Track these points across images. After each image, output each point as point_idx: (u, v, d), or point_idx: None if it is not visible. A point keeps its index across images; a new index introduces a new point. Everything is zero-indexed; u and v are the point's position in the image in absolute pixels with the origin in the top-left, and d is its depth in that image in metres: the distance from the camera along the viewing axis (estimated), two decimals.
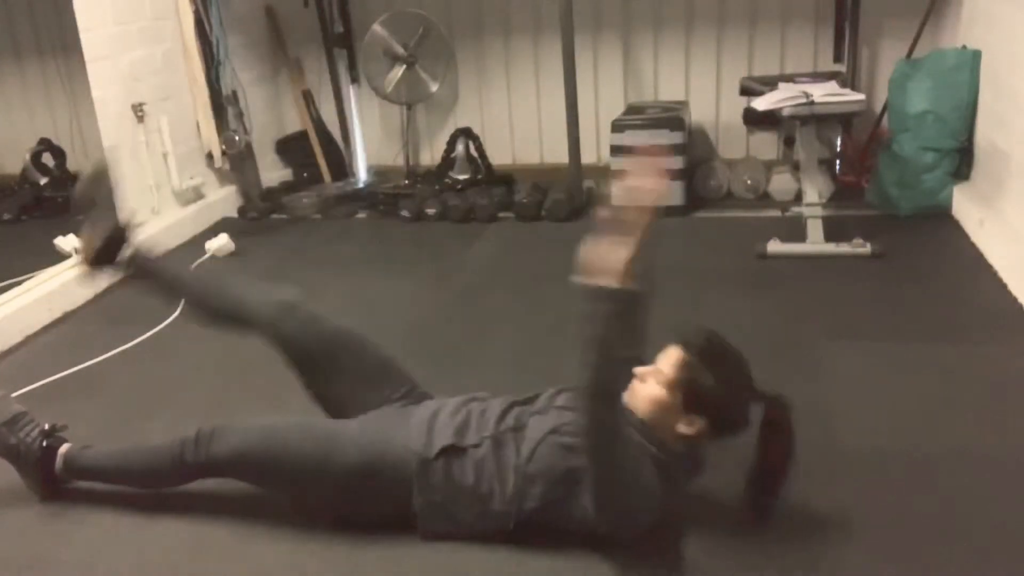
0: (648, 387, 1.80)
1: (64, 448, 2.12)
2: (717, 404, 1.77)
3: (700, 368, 1.77)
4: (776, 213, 3.91)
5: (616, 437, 1.68)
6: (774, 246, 3.52)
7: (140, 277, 2.24)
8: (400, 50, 4.58)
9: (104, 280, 2.11)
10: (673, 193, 4.09)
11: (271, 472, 1.94)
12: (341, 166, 5.04)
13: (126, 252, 2.17)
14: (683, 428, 1.78)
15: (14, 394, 2.63)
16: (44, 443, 2.10)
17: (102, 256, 2.16)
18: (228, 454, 1.95)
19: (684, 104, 4.41)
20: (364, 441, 1.91)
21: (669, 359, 1.80)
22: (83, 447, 2.15)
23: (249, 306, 2.13)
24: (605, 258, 1.55)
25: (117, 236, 2.16)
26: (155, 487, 2.11)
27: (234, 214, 4.58)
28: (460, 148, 4.65)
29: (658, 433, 1.79)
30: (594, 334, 1.59)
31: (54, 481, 2.12)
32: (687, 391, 1.77)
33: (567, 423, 1.81)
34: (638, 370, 1.83)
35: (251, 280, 2.22)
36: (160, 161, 4.10)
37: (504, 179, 4.60)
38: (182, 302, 2.35)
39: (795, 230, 3.57)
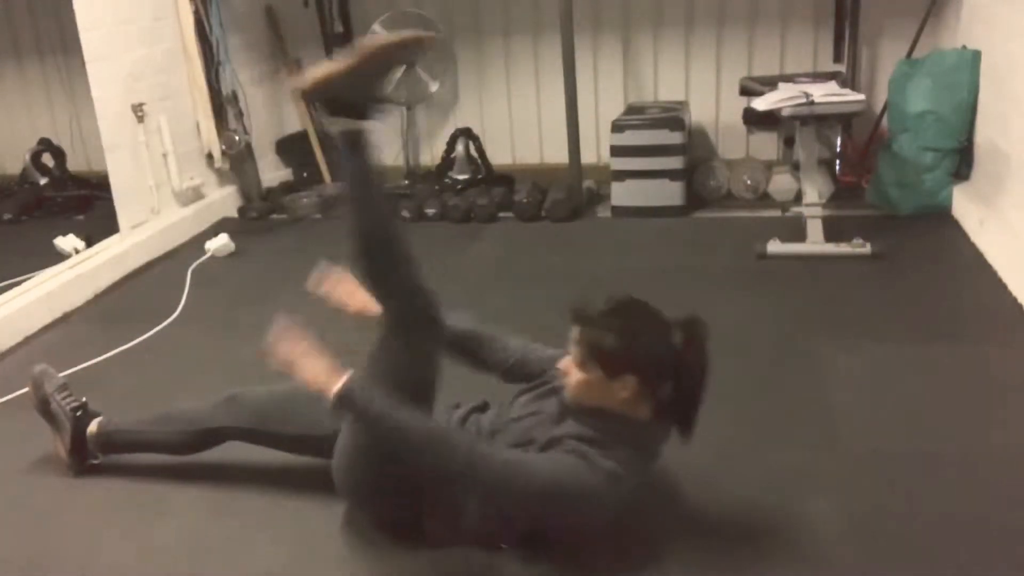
0: (570, 377, 1.79)
1: (98, 419, 2.26)
2: (631, 356, 1.73)
3: (597, 332, 1.74)
4: (776, 213, 3.91)
5: (449, 453, 1.69)
6: (774, 246, 3.52)
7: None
8: None
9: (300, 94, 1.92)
10: (673, 193, 4.12)
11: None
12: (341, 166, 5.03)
13: (342, 121, 1.93)
14: (623, 393, 1.74)
15: (14, 394, 2.64)
16: (78, 413, 2.24)
17: (321, 87, 1.87)
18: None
19: (684, 104, 4.41)
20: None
21: (571, 341, 1.79)
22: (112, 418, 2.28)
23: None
24: (310, 371, 1.72)
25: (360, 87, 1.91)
26: (182, 452, 2.19)
27: (234, 214, 4.58)
28: (460, 148, 4.65)
29: (614, 410, 1.76)
30: (370, 427, 1.74)
31: (83, 444, 2.23)
32: (598, 360, 1.74)
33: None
34: (559, 366, 1.84)
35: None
36: (160, 161, 4.10)
37: (504, 179, 4.60)
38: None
39: (795, 230, 3.57)
